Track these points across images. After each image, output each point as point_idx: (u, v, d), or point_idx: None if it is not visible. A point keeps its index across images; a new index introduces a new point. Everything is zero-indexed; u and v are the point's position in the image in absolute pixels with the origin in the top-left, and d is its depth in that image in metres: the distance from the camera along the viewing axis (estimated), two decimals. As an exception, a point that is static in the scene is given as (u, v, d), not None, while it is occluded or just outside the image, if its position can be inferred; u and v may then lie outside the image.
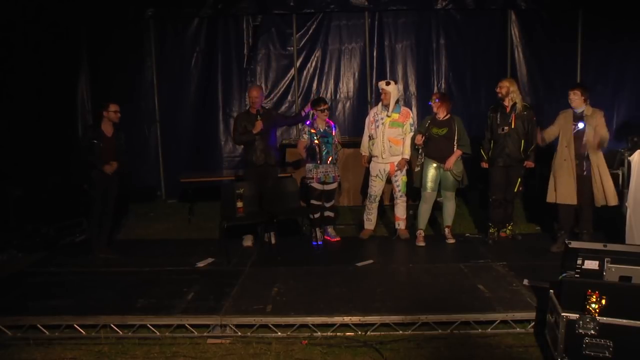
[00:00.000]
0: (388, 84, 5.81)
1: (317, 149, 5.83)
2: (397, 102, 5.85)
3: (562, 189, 5.35)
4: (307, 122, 5.94)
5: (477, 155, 5.93)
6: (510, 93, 5.58)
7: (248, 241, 5.95)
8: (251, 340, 3.83)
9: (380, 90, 5.83)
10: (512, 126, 5.57)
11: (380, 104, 5.87)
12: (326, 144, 5.86)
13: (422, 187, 5.74)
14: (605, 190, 5.24)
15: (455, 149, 5.63)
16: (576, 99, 5.30)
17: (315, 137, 5.83)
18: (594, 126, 5.23)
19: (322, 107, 5.87)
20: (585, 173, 5.31)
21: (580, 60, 8.36)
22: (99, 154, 5.37)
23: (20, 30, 6.92)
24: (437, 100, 5.69)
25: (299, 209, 6.31)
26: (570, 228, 5.53)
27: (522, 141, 5.59)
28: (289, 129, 8.72)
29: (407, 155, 5.84)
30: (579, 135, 5.30)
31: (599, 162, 5.26)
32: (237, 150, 8.59)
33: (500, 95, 5.63)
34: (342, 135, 6.73)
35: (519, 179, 5.70)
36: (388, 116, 5.74)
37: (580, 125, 5.26)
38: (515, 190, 5.72)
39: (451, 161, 5.61)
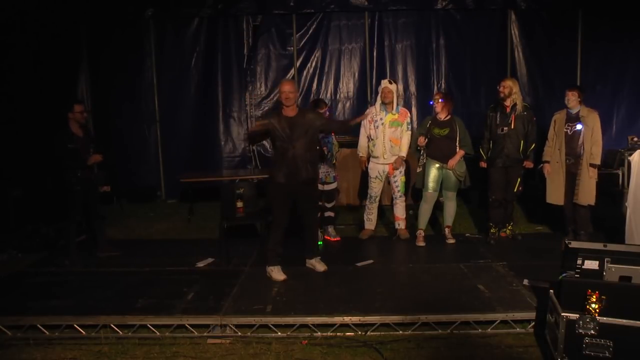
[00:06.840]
0: (391, 82, 5.78)
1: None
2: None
3: (552, 190, 5.54)
4: None
5: (476, 155, 5.93)
6: (513, 94, 5.58)
7: (279, 275, 4.82)
8: (251, 340, 3.82)
9: (382, 89, 5.76)
10: (512, 127, 5.56)
11: (376, 104, 5.83)
12: (327, 144, 5.86)
13: (423, 187, 5.73)
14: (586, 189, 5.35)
15: (458, 149, 5.63)
16: (573, 99, 5.43)
17: None
18: (591, 127, 5.36)
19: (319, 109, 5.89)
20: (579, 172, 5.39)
21: (580, 60, 8.38)
22: (77, 156, 5.29)
23: (20, 30, 6.92)
24: (440, 100, 5.65)
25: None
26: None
27: (522, 141, 5.59)
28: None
29: (404, 154, 5.80)
30: (575, 135, 5.40)
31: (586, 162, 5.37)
32: (237, 150, 8.62)
33: (502, 95, 5.60)
34: (342, 135, 6.73)
35: (519, 179, 5.70)
36: (392, 114, 5.72)
37: (579, 126, 5.39)
38: (515, 190, 5.72)
39: (455, 160, 5.59)
